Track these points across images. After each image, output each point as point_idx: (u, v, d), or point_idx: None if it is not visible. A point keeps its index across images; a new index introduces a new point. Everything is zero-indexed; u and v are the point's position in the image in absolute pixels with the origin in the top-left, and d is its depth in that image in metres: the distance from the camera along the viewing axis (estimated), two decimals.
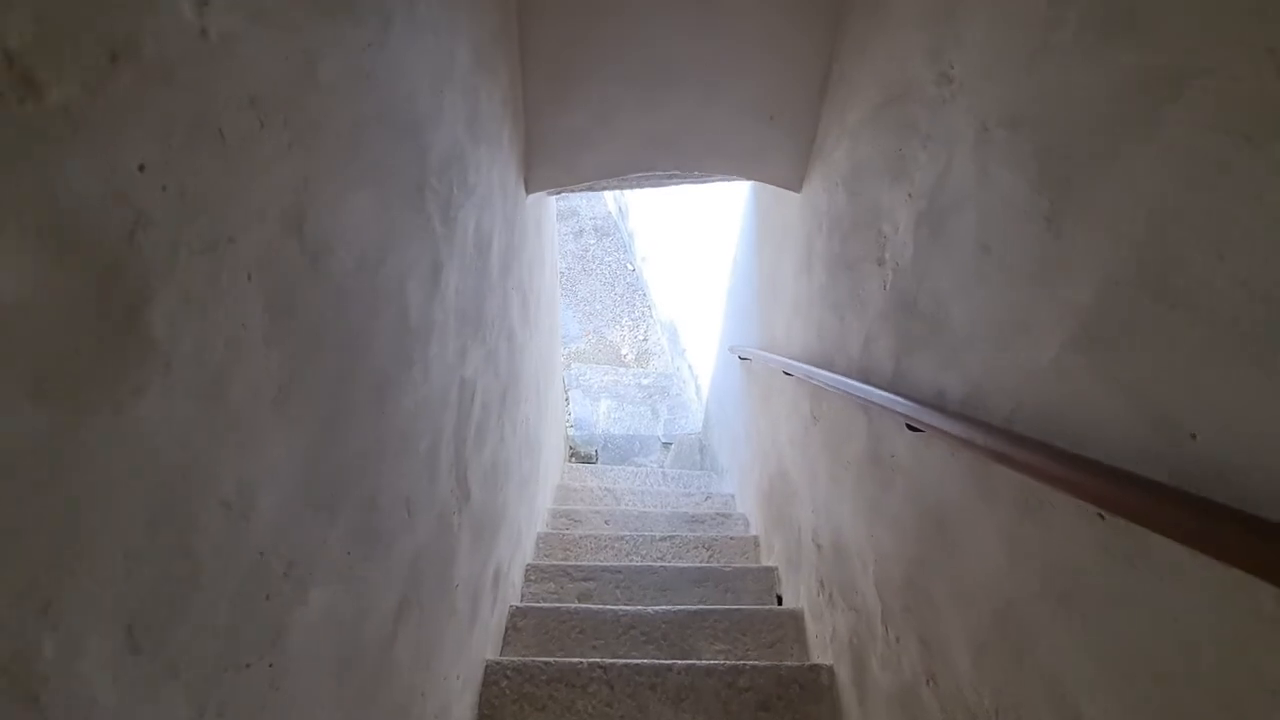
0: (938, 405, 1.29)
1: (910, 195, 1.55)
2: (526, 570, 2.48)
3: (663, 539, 2.85)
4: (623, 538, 2.85)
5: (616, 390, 4.98)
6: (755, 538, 2.86)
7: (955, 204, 1.33)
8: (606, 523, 3.12)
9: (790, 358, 2.40)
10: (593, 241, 6.67)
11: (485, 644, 1.84)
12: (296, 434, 0.77)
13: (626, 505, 3.45)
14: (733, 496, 3.51)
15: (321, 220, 0.81)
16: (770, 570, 2.53)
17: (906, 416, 1.35)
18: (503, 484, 1.98)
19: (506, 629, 2.10)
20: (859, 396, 1.64)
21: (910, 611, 1.41)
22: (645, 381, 5.09)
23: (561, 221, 6.93)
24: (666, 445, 4.44)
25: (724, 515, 3.17)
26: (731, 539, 2.87)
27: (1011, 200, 1.13)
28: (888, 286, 1.65)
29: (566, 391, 4.85)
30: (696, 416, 4.60)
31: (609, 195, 7.20)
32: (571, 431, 4.53)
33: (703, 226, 4.41)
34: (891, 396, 1.44)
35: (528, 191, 2.25)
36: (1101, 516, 0.87)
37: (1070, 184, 0.98)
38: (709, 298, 4.30)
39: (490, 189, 1.68)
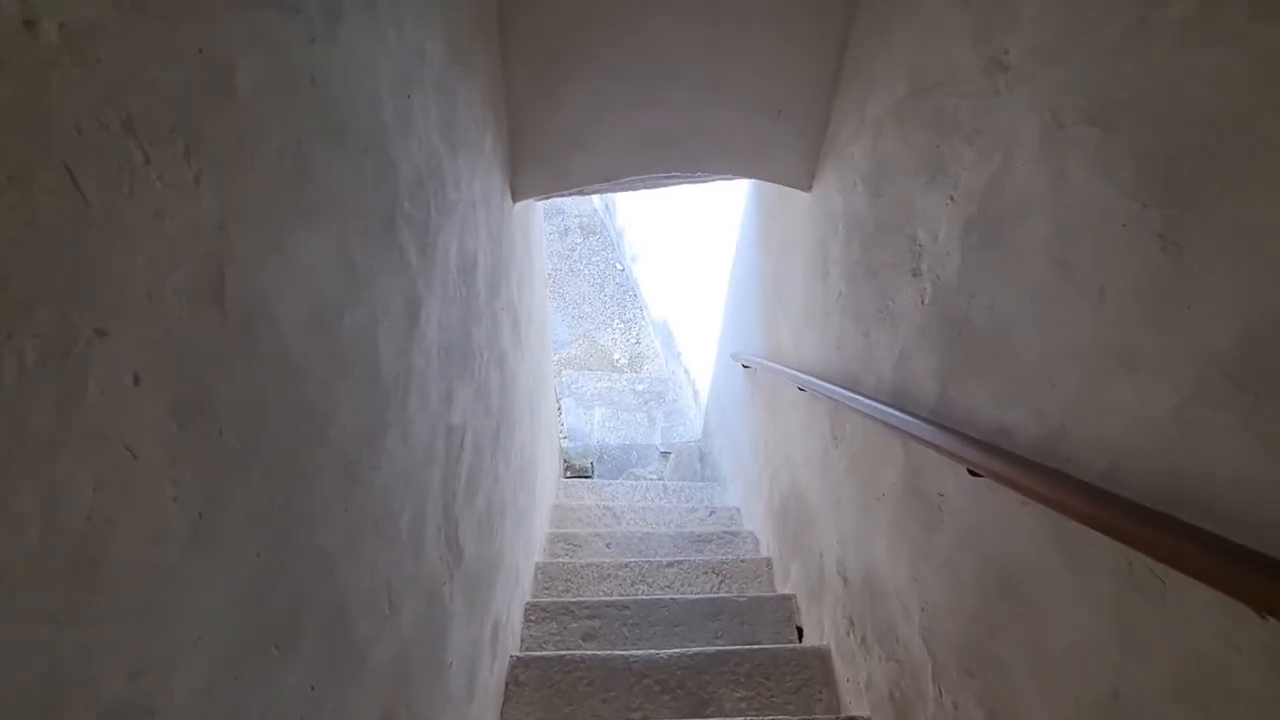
0: (1002, 446, 1.11)
1: (953, 198, 1.37)
2: (526, 609, 2.29)
3: (669, 564, 2.67)
4: (626, 565, 2.66)
5: (611, 397, 4.77)
6: (767, 560, 2.69)
7: (1018, 211, 1.14)
8: (608, 546, 2.94)
9: (802, 370, 2.22)
10: (579, 240, 6.44)
11: (485, 711, 1.65)
12: (229, 570, 0.57)
13: (627, 525, 3.26)
14: (738, 510, 3.34)
15: (252, 276, 0.61)
16: (788, 599, 2.36)
17: (964, 459, 1.17)
18: (498, 527, 1.79)
19: (507, 683, 1.91)
20: (895, 425, 1.46)
21: (973, 676, 1.24)
22: (640, 387, 4.89)
23: (546, 220, 6.69)
24: (665, 455, 4.25)
25: (731, 533, 3.00)
26: (742, 561, 2.69)
27: (1100, 211, 0.94)
28: (926, 300, 1.47)
29: (559, 400, 4.65)
30: (695, 423, 4.41)
31: None
32: (565, 443, 4.33)
33: (697, 222, 4.21)
34: (939, 431, 1.26)
35: (514, 199, 2.04)
36: (1263, 617, 0.69)
37: (1192, 195, 0.79)
38: (706, 298, 4.11)
39: (473, 203, 1.47)
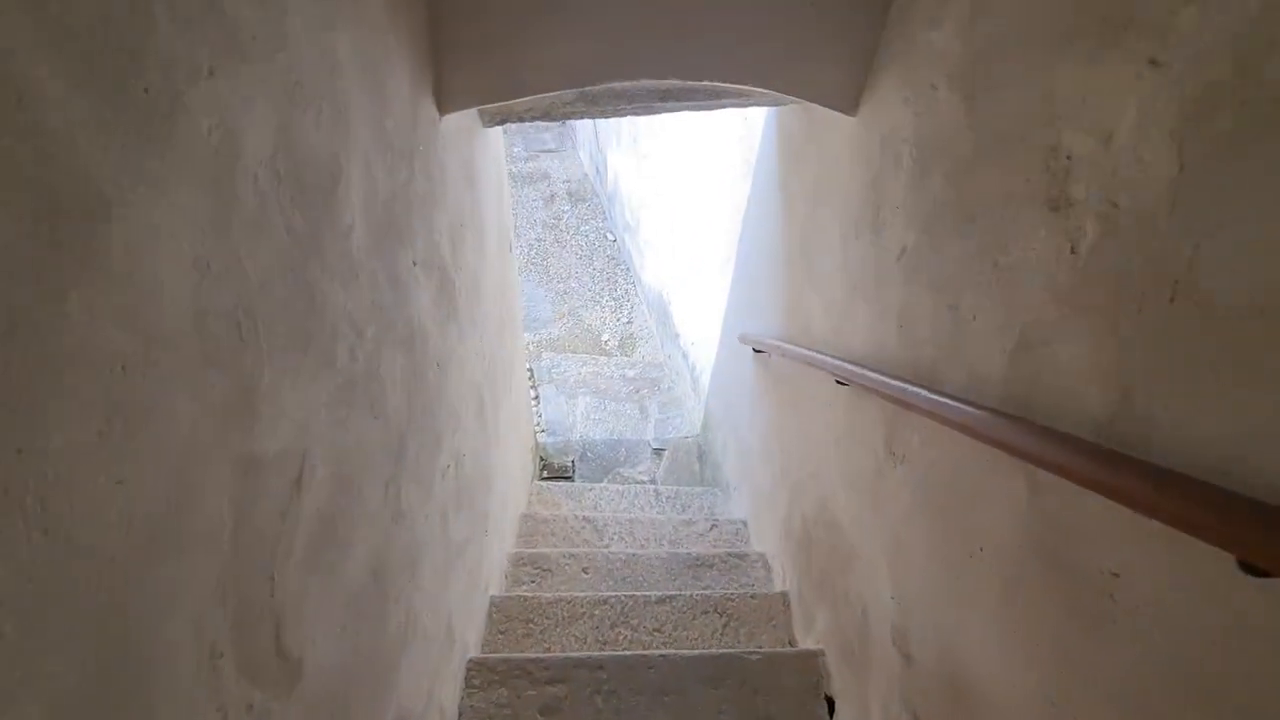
0: None
1: (1154, 63, 0.78)
2: (469, 669, 1.73)
3: (660, 600, 2.12)
4: (606, 601, 2.10)
5: (597, 384, 4.18)
6: (784, 595, 2.13)
7: None
8: (585, 572, 2.38)
9: (844, 356, 1.65)
10: (566, 208, 5.80)
11: None
12: None
13: (610, 542, 2.70)
14: (745, 525, 2.78)
15: None
16: (813, 656, 1.81)
17: (1230, 537, 0.60)
18: (405, 591, 1.21)
19: None
20: (1020, 450, 0.89)
21: None
22: (630, 373, 4.30)
23: (529, 186, 6.05)
24: (658, 452, 3.69)
25: (738, 556, 2.44)
26: (752, 597, 2.14)
27: None
28: (1083, 247, 0.89)
29: (535, 387, 4.07)
30: (694, 416, 3.84)
31: (584, 153, 6.31)
32: (543, 437, 3.76)
33: (700, 176, 3.59)
34: (1160, 481, 0.69)
35: (443, 110, 1.43)
36: None
37: None
38: (709, 268, 3.51)
39: (330, 71, 0.88)
